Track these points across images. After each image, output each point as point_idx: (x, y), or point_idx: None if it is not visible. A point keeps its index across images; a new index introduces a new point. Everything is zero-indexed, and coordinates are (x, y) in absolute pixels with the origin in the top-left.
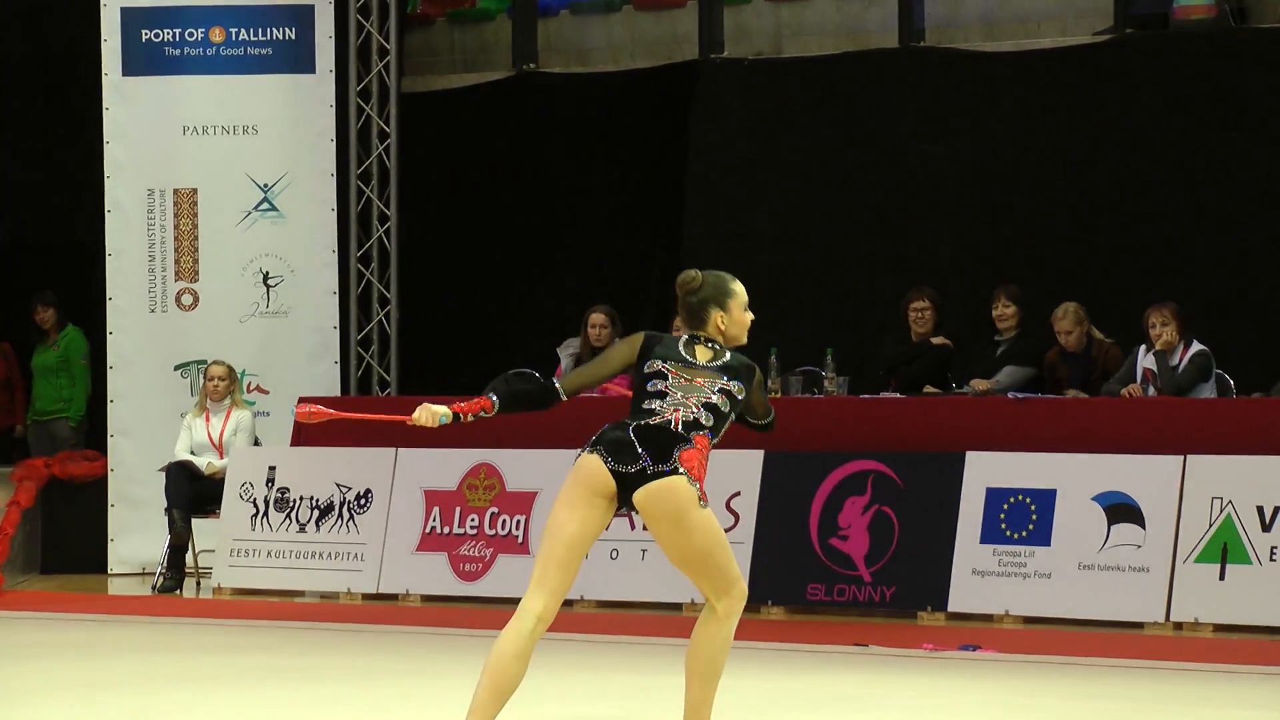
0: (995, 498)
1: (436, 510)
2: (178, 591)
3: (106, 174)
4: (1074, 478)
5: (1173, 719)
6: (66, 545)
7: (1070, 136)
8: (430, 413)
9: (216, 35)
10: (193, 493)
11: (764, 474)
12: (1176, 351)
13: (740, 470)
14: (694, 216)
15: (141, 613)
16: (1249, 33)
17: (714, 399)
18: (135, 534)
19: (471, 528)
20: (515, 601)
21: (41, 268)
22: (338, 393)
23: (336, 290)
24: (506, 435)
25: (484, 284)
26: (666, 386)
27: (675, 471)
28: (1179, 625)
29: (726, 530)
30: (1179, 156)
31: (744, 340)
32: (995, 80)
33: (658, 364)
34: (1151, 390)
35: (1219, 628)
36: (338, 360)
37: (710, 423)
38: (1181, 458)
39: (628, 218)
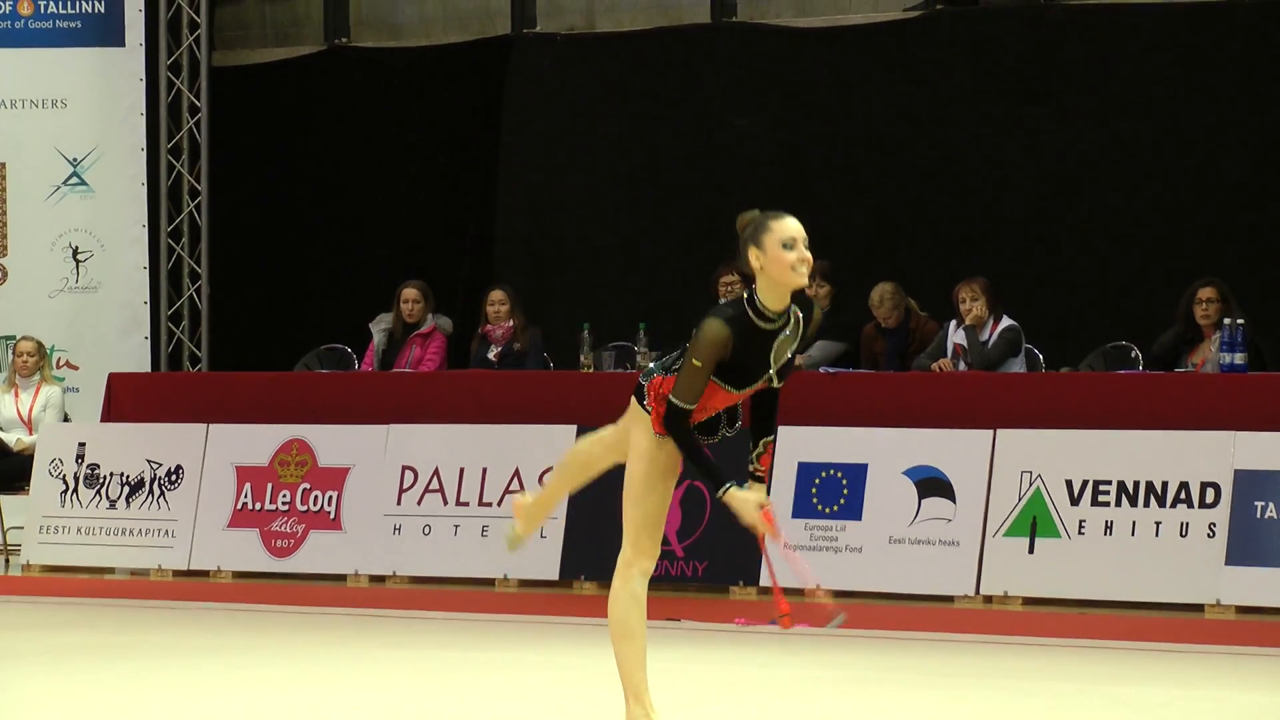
0: (807, 472)
1: (248, 486)
2: None
3: None
4: (885, 452)
5: (983, 691)
6: None
7: (882, 112)
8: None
9: (25, 8)
10: (2, 469)
11: None
12: (986, 327)
13: (553, 445)
14: (507, 191)
15: None
16: (1059, 9)
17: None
18: None
19: (283, 504)
20: (328, 577)
21: None
22: (148, 368)
23: (147, 265)
24: (318, 411)
25: (296, 259)
26: None
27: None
28: (989, 598)
29: None
30: (989, 132)
31: (795, 282)
32: (807, 56)
33: None
34: (962, 365)
35: (1028, 601)
36: (148, 335)
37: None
38: (991, 432)
39: (441, 192)
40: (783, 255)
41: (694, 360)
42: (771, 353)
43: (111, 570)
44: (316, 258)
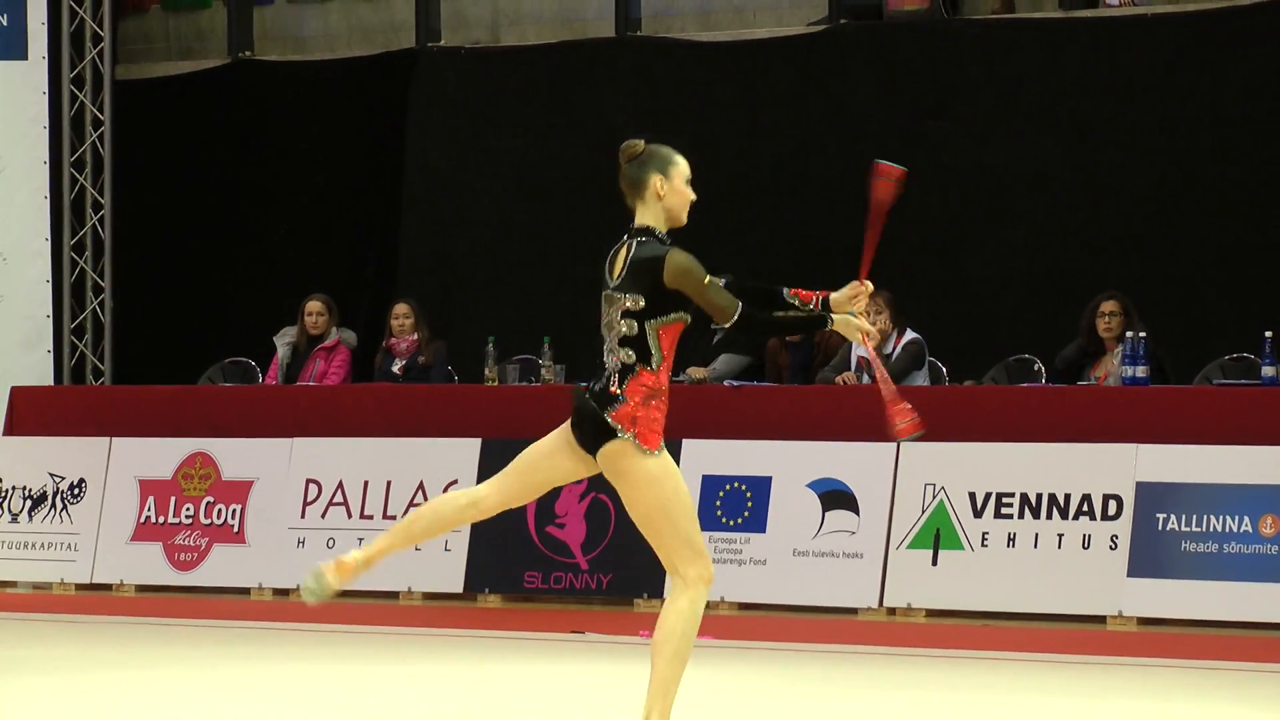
0: (711, 485)
1: (151, 500)
2: None
3: None
4: (789, 465)
5: (885, 703)
6: None
7: (786, 126)
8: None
9: None
10: None
11: (481, 461)
12: (890, 340)
13: (457, 458)
14: (412, 205)
15: None
16: (961, 24)
17: (623, 328)
18: None
19: (187, 517)
20: (232, 590)
21: None
22: (51, 381)
23: (50, 278)
24: (222, 424)
25: (200, 272)
26: (602, 325)
27: (614, 434)
28: (892, 610)
29: None
30: (893, 145)
31: (683, 219)
32: (711, 70)
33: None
34: (866, 378)
35: (931, 613)
36: (50, 349)
37: (632, 358)
38: (895, 445)
39: (345, 206)
40: (686, 191)
41: (704, 278)
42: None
43: (14, 584)
44: (220, 271)
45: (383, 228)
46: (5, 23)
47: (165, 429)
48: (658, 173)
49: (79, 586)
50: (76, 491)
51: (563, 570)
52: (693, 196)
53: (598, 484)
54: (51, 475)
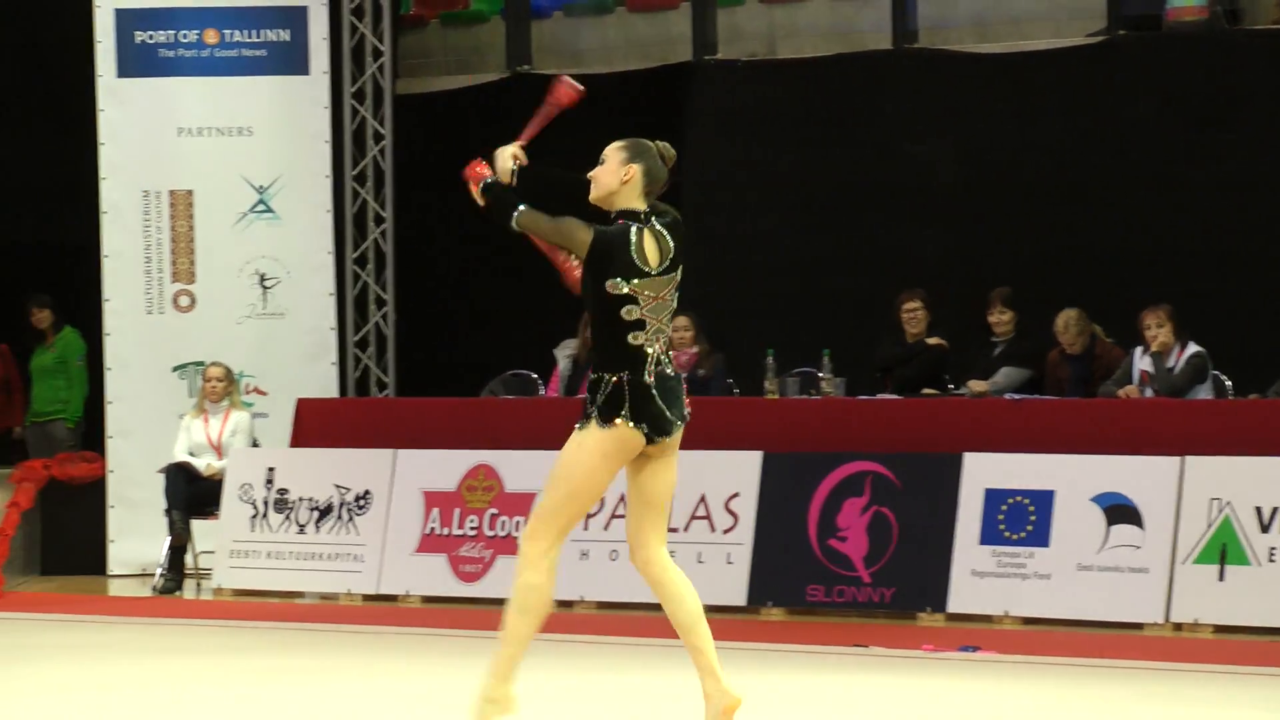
0: (994, 499)
1: (436, 511)
2: (178, 593)
3: (102, 175)
4: (1072, 479)
5: (1173, 719)
6: (66, 547)
7: (1063, 137)
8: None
9: (211, 37)
10: (192, 494)
11: (763, 475)
12: (1173, 353)
13: (739, 471)
14: (687, 218)
15: (141, 614)
16: (1241, 34)
17: (674, 304)
18: (134, 535)
19: (471, 529)
20: None
21: (37, 269)
22: (336, 394)
23: (333, 291)
24: (505, 437)
25: (480, 284)
26: (642, 314)
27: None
28: (1178, 626)
29: (725, 531)
30: (1172, 156)
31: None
32: (988, 81)
33: (623, 286)
34: (1148, 392)
35: (1218, 629)
36: (335, 361)
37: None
38: (1179, 459)
39: None
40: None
41: None
42: None
43: (301, 594)
44: (500, 282)
45: None
46: (288, 38)
47: (449, 441)
48: (635, 162)
49: (365, 597)
50: (362, 503)
51: (845, 584)
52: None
53: (880, 498)
54: (337, 487)
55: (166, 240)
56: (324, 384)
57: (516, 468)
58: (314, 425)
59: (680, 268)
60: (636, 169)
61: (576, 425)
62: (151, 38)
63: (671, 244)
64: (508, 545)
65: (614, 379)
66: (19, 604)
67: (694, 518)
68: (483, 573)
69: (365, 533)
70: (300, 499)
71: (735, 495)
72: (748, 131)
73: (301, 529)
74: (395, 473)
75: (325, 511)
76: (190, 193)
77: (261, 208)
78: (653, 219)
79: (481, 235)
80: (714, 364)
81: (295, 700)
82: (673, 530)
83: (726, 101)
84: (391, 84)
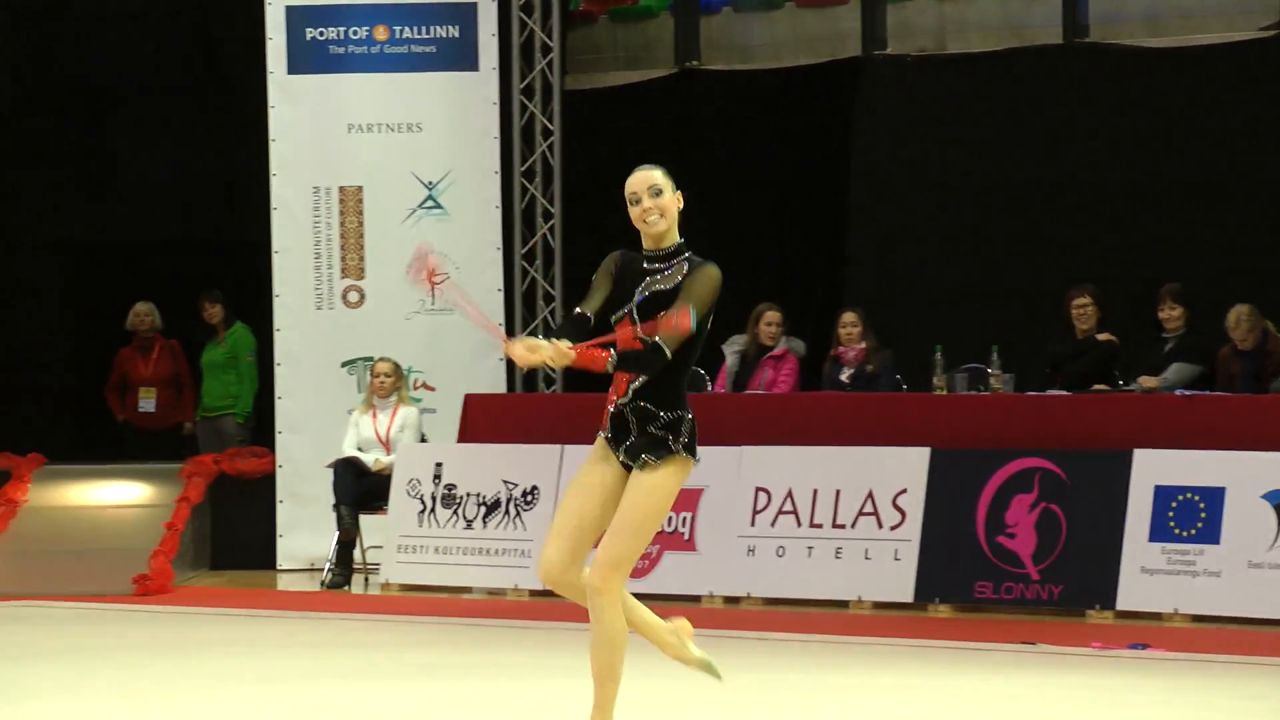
0: (1164, 495)
1: None
2: (346, 587)
3: (272, 172)
4: (1243, 476)
5: None
6: (235, 541)
7: (1234, 132)
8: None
9: (381, 33)
10: (360, 489)
11: (930, 471)
12: None
13: (907, 467)
14: (857, 213)
15: (310, 608)
16: None
17: None
18: (303, 530)
19: None
20: (682, 598)
21: (209, 265)
22: (503, 389)
23: (502, 288)
24: None
25: None
26: None
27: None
28: None
29: (893, 528)
30: None
31: (645, 230)
32: (1159, 76)
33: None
34: None
35: None
36: (503, 357)
37: None
38: None
39: (790, 215)
40: (631, 210)
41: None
42: (638, 287)
43: (468, 589)
44: None
45: (829, 236)
46: (457, 35)
47: None
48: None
49: (532, 593)
50: (529, 498)
51: (1013, 580)
52: (636, 213)
53: (1048, 494)
54: (505, 482)
55: (336, 236)
56: (492, 379)
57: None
58: (482, 420)
59: None
60: (680, 198)
61: (645, 462)
62: (322, 34)
63: None
64: (674, 540)
65: (690, 416)
66: (189, 598)
67: (861, 514)
68: (649, 568)
69: (532, 528)
70: (468, 494)
71: (903, 491)
72: (917, 127)
73: (469, 524)
74: (562, 468)
75: (493, 507)
76: (360, 189)
77: (430, 204)
78: None
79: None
80: (882, 360)
81: (459, 696)
82: (839, 527)
83: (896, 97)
84: (560, 80)
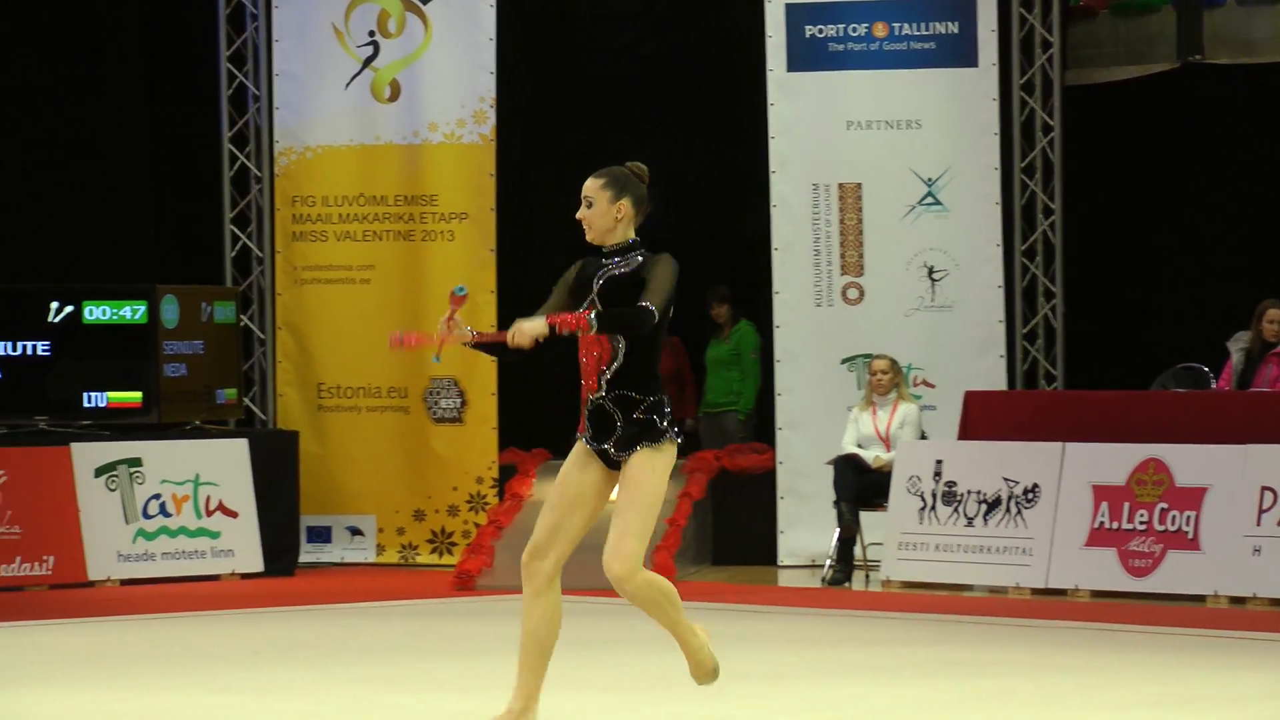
0: None
1: (1105, 505)
2: (846, 584)
3: (771, 169)
4: None
5: None
6: (737, 537)
7: None
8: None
9: (879, 30)
10: (860, 486)
11: None
12: None
13: None
14: None
15: (810, 604)
16: None
17: None
18: (804, 526)
19: (1140, 523)
20: (1185, 597)
21: (713, 263)
22: (1004, 386)
23: (1002, 284)
24: (1174, 430)
25: (1149, 277)
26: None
27: None
28: None
29: None
30: None
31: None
32: None
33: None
34: None
35: None
36: (1003, 354)
37: None
38: None
39: None
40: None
41: None
42: (595, 276)
43: (970, 587)
44: (1169, 276)
45: None
46: (956, 31)
47: (1117, 434)
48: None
49: (1034, 591)
50: (1030, 496)
51: None
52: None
53: None
54: (1005, 480)
55: (835, 233)
56: (992, 376)
57: (1187, 461)
58: (982, 418)
59: None
60: (626, 203)
61: (638, 448)
62: (821, 32)
63: None
64: (1178, 540)
65: (665, 396)
66: (691, 593)
67: (1261, 511)
68: (1153, 568)
69: (1034, 526)
70: (968, 491)
71: None
72: None
73: (970, 522)
74: (1064, 466)
75: (994, 504)
76: (859, 185)
77: (930, 200)
78: None
79: (1150, 227)
80: None
81: (961, 693)
82: None
83: None
84: (1060, 75)
